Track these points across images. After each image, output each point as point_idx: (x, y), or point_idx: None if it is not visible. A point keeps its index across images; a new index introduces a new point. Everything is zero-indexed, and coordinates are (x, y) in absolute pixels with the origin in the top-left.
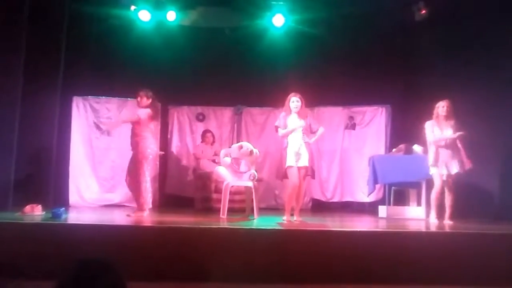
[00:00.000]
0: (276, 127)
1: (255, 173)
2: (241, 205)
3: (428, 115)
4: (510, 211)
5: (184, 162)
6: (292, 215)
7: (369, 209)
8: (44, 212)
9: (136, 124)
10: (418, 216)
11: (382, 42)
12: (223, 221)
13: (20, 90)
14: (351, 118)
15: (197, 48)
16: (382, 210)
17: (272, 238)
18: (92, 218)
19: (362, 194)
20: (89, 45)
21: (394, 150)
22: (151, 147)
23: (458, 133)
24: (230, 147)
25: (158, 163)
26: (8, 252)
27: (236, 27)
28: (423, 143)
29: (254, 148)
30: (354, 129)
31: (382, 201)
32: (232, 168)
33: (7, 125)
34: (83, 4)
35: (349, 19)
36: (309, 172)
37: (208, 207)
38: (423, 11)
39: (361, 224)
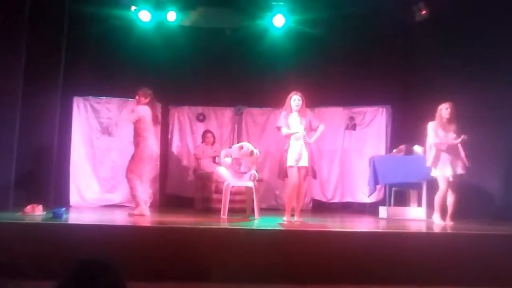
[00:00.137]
0: (279, 128)
1: (256, 174)
2: (241, 205)
3: (429, 115)
4: (511, 211)
5: (185, 162)
6: (292, 215)
7: (370, 209)
8: (44, 212)
9: (137, 124)
10: (418, 217)
11: (383, 43)
12: (224, 221)
13: (20, 90)
14: (351, 118)
15: (198, 49)
16: (383, 211)
17: (272, 238)
18: (92, 218)
19: (363, 194)
20: (90, 46)
21: (394, 150)
22: (152, 148)
23: (461, 138)
24: (230, 147)
25: (158, 163)
26: (8, 252)
27: (237, 28)
28: (423, 143)
29: (255, 148)
30: (354, 129)
31: (382, 202)
32: (232, 169)
33: (8, 125)
34: (83, 4)
35: (349, 19)
36: (310, 173)
37: (209, 208)
38: (424, 12)
39: (362, 225)
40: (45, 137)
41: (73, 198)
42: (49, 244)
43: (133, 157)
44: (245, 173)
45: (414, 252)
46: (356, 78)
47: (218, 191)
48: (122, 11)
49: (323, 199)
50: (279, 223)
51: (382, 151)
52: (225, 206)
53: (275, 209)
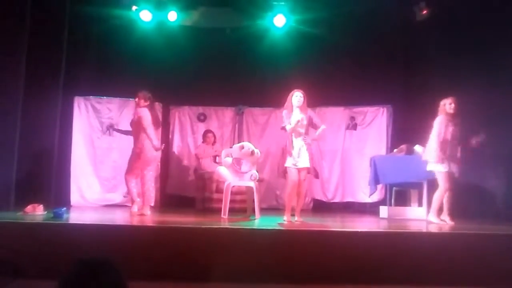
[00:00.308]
0: (283, 127)
1: (256, 173)
2: (242, 205)
3: (430, 115)
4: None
5: (185, 162)
6: (292, 215)
7: (370, 209)
8: (45, 212)
9: (136, 126)
10: (419, 217)
11: (384, 42)
12: (224, 221)
13: (22, 90)
14: (352, 118)
15: (199, 48)
16: (383, 211)
17: (273, 238)
18: (93, 218)
19: (363, 194)
20: (91, 45)
21: (395, 150)
22: (151, 149)
23: (481, 137)
24: (231, 147)
25: (159, 163)
26: (9, 251)
27: (238, 28)
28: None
29: (255, 148)
30: (355, 129)
31: (383, 202)
32: (233, 168)
33: (9, 125)
34: (84, 4)
35: (350, 19)
36: (312, 172)
37: (209, 207)
38: (424, 11)
39: (362, 225)
40: (46, 137)
41: (74, 198)
42: (49, 244)
43: (130, 156)
44: (246, 173)
45: (414, 252)
46: (357, 78)
47: (219, 191)
48: (123, 11)
49: (324, 199)
50: (279, 223)
51: (383, 151)
52: (225, 206)
53: (276, 209)
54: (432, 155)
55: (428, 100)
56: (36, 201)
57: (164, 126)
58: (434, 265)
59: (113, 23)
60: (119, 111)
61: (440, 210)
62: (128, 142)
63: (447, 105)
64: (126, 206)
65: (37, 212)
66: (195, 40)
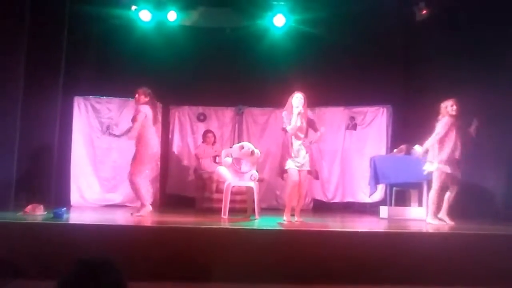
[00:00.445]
0: (284, 128)
1: (256, 174)
2: (242, 205)
3: (430, 115)
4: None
5: (185, 162)
6: (292, 215)
7: (371, 209)
8: (45, 212)
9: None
10: (419, 217)
11: (383, 42)
12: (224, 221)
13: (21, 90)
14: (352, 118)
15: (198, 48)
16: (384, 211)
17: (273, 238)
18: (93, 218)
19: (363, 194)
20: (90, 45)
21: (395, 150)
22: (155, 146)
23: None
24: (231, 147)
25: (159, 163)
26: (9, 251)
27: (237, 27)
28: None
29: (255, 148)
30: (355, 129)
31: (383, 202)
32: (233, 168)
33: (9, 125)
34: (84, 4)
35: (350, 19)
36: (313, 174)
37: (209, 207)
38: (424, 11)
39: (362, 225)
40: (45, 137)
41: (74, 198)
42: (49, 244)
43: (134, 157)
44: (246, 173)
45: (414, 252)
46: (357, 78)
47: (219, 191)
48: (122, 10)
49: (324, 199)
50: (279, 223)
51: (382, 151)
52: (225, 206)
53: (276, 209)
54: (431, 155)
55: (428, 100)
56: (36, 201)
57: (164, 126)
58: (434, 265)
59: (113, 23)
60: (119, 111)
61: (438, 210)
62: (128, 142)
63: (448, 107)
64: (126, 206)
65: (37, 212)
66: (194, 40)
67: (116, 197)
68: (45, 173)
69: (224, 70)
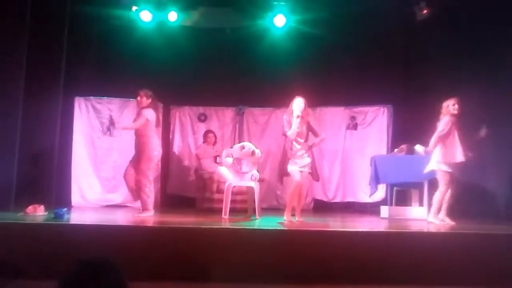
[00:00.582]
0: (285, 133)
1: (257, 174)
2: (243, 205)
3: (431, 115)
4: None
5: (186, 162)
6: (293, 215)
7: (371, 209)
8: (46, 213)
9: (142, 127)
10: (420, 217)
11: (384, 42)
12: (225, 221)
13: (22, 91)
14: (352, 118)
15: (199, 49)
16: (384, 211)
17: (273, 238)
18: (94, 218)
19: (364, 194)
20: (91, 46)
21: (396, 150)
22: (157, 148)
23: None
24: (232, 147)
25: (160, 163)
26: (10, 252)
27: (238, 28)
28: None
29: (256, 148)
30: (355, 129)
31: (384, 202)
32: (234, 169)
33: (10, 126)
34: (84, 4)
35: (350, 19)
36: (314, 176)
37: (210, 208)
38: (425, 11)
39: (363, 225)
40: (46, 137)
41: (75, 198)
42: (50, 244)
43: (140, 160)
44: (247, 173)
45: (415, 252)
46: (357, 78)
47: (220, 191)
48: (123, 11)
49: (325, 199)
50: (279, 223)
51: (383, 150)
52: (226, 206)
53: (276, 209)
54: (435, 154)
55: (429, 100)
56: (36, 202)
57: (165, 126)
58: (434, 265)
59: (114, 23)
60: (120, 111)
61: (439, 210)
62: (128, 142)
63: (450, 106)
64: (126, 206)
65: (38, 213)
66: (195, 40)
67: (117, 197)
68: (46, 174)
69: (224, 70)
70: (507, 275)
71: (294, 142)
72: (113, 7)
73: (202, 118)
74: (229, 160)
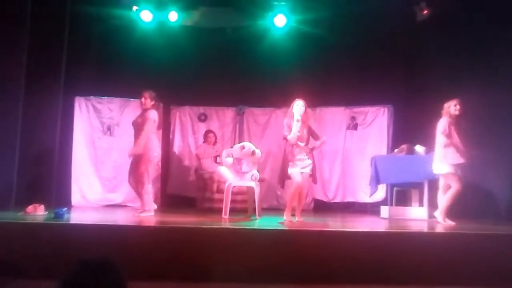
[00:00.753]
0: (285, 137)
1: (257, 174)
2: (243, 205)
3: (431, 115)
4: None
5: (186, 162)
6: (293, 215)
7: (371, 209)
8: (46, 212)
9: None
10: (420, 217)
11: (385, 42)
12: (225, 221)
13: (22, 90)
14: (353, 118)
15: (199, 48)
16: (384, 211)
17: (274, 238)
18: (94, 218)
19: (364, 194)
20: (91, 46)
21: (396, 150)
22: (157, 150)
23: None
24: (232, 147)
25: (160, 163)
26: (10, 251)
27: (238, 27)
28: (426, 143)
29: (256, 148)
30: (356, 129)
31: (384, 202)
32: (234, 169)
33: (10, 125)
34: (84, 4)
35: (351, 19)
36: (313, 179)
37: (210, 208)
38: (425, 11)
39: (363, 225)
40: (47, 137)
41: (75, 198)
42: (50, 244)
43: (140, 161)
44: (247, 173)
45: (415, 252)
46: (358, 78)
47: (220, 191)
48: (123, 11)
49: (325, 199)
50: (279, 223)
51: (383, 151)
52: (226, 206)
53: (277, 209)
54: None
55: (429, 100)
56: (37, 201)
57: (165, 126)
58: (434, 265)
59: (114, 23)
60: (120, 111)
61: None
62: (128, 142)
63: (451, 107)
64: (127, 206)
65: (38, 212)
66: (195, 40)
67: (117, 197)
68: (46, 173)
69: (225, 70)
70: (507, 275)
71: (294, 146)
72: (114, 7)
73: (203, 118)
74: (229, 160)
